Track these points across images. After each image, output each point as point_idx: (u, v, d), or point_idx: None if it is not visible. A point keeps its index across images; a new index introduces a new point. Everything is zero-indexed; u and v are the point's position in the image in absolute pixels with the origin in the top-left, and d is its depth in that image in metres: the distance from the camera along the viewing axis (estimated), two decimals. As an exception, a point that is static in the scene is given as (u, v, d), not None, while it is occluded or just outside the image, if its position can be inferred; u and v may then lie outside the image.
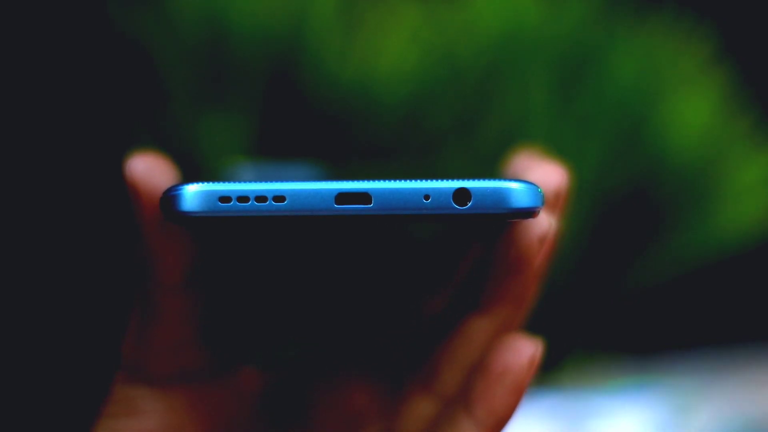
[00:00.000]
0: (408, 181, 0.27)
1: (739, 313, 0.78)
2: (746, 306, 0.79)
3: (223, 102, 0.61)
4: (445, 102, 0.64)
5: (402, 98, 0.63)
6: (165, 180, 0.30)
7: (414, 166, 0.63)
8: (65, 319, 0.63)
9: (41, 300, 0.63)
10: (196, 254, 0.31)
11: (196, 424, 0.33)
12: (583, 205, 0.65)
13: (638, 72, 0.67)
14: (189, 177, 0.28)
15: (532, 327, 0.34)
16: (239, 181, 0.27)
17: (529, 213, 0.27)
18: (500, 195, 0.27)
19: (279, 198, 0.27)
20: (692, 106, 0.68)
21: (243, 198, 0.27)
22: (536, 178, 0.32)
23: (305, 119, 0.63)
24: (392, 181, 0.27)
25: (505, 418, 0.31)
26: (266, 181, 0.27)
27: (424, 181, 0.27)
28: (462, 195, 0.27)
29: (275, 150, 0.62)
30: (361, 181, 0.27)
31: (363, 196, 0.27)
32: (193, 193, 0.27)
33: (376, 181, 0.27)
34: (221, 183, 0.27)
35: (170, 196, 0.27)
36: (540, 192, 0.27)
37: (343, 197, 0.27)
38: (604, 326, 0.70)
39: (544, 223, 0.31)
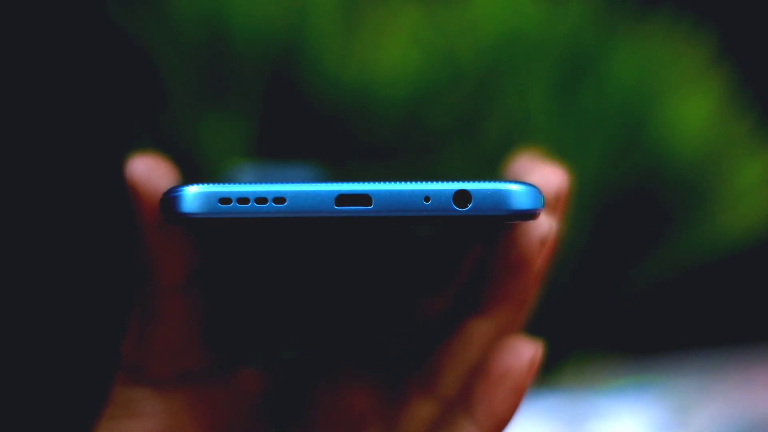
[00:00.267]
0: (408, 182, 0.27)
1: (739, 313, 0.78)
2: (746, 306, 0.79)
3: (223, 102, 0.61)
4: (445, 103, 0.64)
5: (402, 99, 0.63)
6: (165, 181, 0.30)
7: (414, 168, 0.63)
8: (65, 319, 0.63)
9: (41, 301, 0.63)
10: (196, 255, 0.31)
11: (196, 425, 0.33)
12: (583, 206, 0.65)
13: (638, 73, 0.67)
14: (189, 178, 0.28)
15: (533, 328, 0.34)
16: (239, 183, 0.27)
17: (530, 215, 0.27)
18: (501, 197, 0.27)
19: (279, 199, 0.27)
20: (692, 106, 0.68)
21: (243, 199, 0.27)
22: (537, 179, 0.31)
23: (305, 120, 0.63)
24: (392, 183, 0.27)
25: (505, 419, 0.31)
26: (266, 182, 0.27)
27: (424, 182, 0.27)
28: (462, 197, 0.27)
29: (275, 151, 0.62)
30: (361, 183, 0.27)
31: (363, 198, 0.27)
32: (194, 195, 0.27)
33: (377, 183, 0.27)
34: (221, 184, 0.27)
35: (170, 198, 0.27)
36: (540, 194, 0.27)
37: (343, 199, 0.27)
38: (604, 326, 0.70)
39: (545, 224, 0.31)
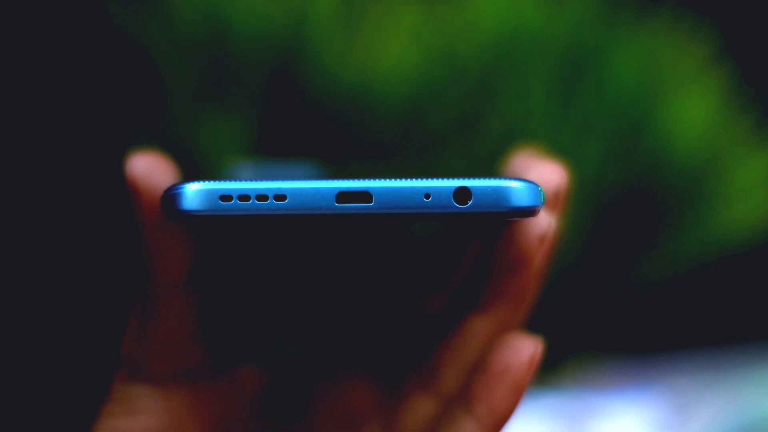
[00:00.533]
0: (408, 179, 0.27)
1: (739, 313, 0.78)
2: (746, 306, 0.79)
3: (223, 102, 0.61)
4: (445, 101, 0.64)
5: (402, 98, 0.63)
6: (165, 179, 0.30)
7: (414, 166, 0.63)
8: (65, 318, 0.63)
9: (41, 300, 0.63)
10: (196, 253, 0.31)
11: (196, 422, 0.33)
12: (583, 205, 0.65)
13: (638, 72, 0.67)
14: (189, 176, 0.28)
15: (532, 326, 0.34)
16: (240, 180, 0.27)
17: (529, 212, 0.27)
18: (500, 194, 0.27)
19: (280, 196, 0.27)
20: (692, 105, 0.68)
21: (244, 197, 0.27)
22: (536, 177, 0.32)
23: (305, 118, 0.63)
24: (393, 180, 0.27)
25: (505, 416, 0.31)
26: (267, 179, 0.27)
27: (424, 179, 0.27)
28: (462, 194, 0.27)
29: (275, 149, 0.62)
30: (361, 180, 0.27)
31: (364, 195, 0.27)
32: (194, 192, 0.27)
33: (377, 180, 0.27)
34: (222, 182, 0.27)
35: (171, 195, 0.27)
36: (540, 191, 0.27)
37: (343, 196, 0.27)
38: (604, 326, 0.70)
39: (544, 222, 0.31)
